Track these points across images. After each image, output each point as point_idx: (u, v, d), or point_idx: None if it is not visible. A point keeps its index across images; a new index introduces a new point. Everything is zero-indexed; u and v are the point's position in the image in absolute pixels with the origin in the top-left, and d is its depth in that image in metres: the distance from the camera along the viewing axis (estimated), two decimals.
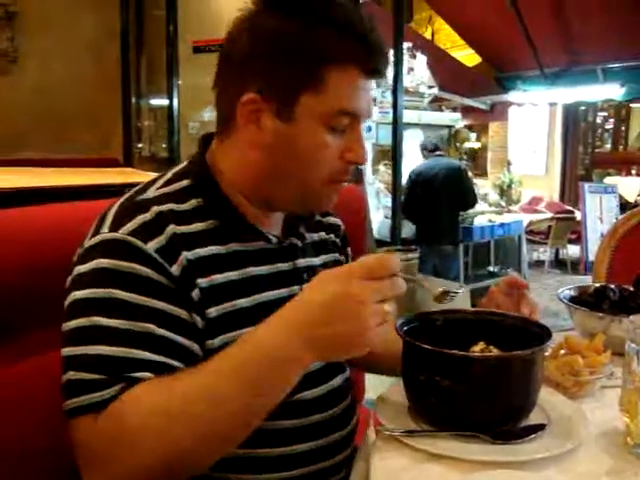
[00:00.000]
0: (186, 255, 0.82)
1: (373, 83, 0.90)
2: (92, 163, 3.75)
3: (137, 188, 0.90)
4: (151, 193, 0.87)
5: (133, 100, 5.40)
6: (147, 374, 0.74)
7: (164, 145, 5.21)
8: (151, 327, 0.77)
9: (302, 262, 0.98)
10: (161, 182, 0.90)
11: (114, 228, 0.81)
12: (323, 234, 1.08)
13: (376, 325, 0.73)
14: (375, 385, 1.41)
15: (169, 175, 0.92)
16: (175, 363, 0.77)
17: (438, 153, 5.26)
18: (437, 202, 5.05)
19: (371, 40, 0.86)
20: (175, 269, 0.81)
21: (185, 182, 0.90)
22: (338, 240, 1.12)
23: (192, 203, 0.88)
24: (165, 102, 4.92)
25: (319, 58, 0.84)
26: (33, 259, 0.96)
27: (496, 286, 1.08)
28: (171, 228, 0.83)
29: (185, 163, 0.95)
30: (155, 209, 0.83)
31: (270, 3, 0.87)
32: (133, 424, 0.71)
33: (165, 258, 0.80)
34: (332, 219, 1.12)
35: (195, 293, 0.82)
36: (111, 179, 2.00)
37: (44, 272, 0.97)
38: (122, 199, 0.87)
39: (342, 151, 0.89)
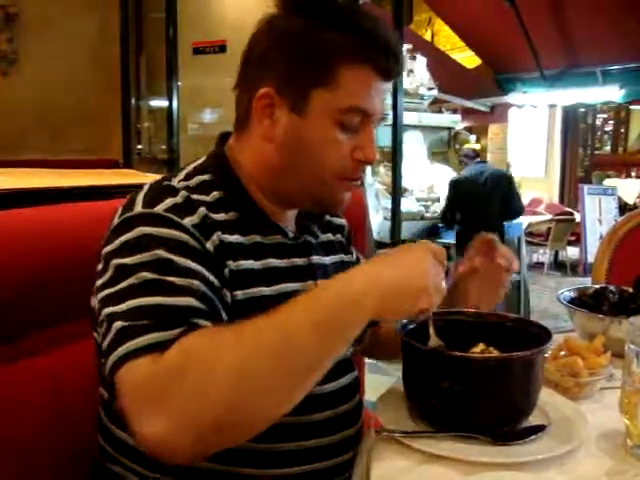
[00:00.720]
0: (218, 235, 0.85)
1: (387, 85, 0.91)
2: (91, 164, 3.75)
3: (161, 178, 0.91)
4: (175, 183, 0.88)
5: (133, 101, 5.40)
6: (206, 322, 0.74)
7: (163, 146, 5.20)
8: (197, 283, 0.77)
9: (315, 259, 1.00)
10: (182, 175, 0.91)
11: (149, 206, 0.82)
12: (330, 235, 1.09)
13: (435, 289, 0.79)
14: (374, 387, 1.41)
15: (189, 169, 0.93)
16: (220, 320, 0.78)
17: (479, 160, 5.15)
18: (487, 209, 4.82)
19: (384, 41, 0.89)
20: (209, 246, 0.83)
21: (205, 176, 0.92)
22: (344, 240, 1.13)
23: (214, 195, 0.89)
24: (165, 103, 4.92)
25: (332, 55, 0.86)
26: (33, 260, 0.96)
27: (472, 248, 1.10)
28: (202, 210, 0.85)
29: (204, 158, 0.97)
30: (183, 193, 0.85)
31: (290, 8, 0.90)
32: (204, 357, 0.68)
33: (201, 234, 0.82)
34: (338, 220, 1.13)
35: (226, 271, 0.84)
36: (110, 180, 2.00)
37: (44, 272, 0.97)
38: (147, 185, 0.88)
39: (353, 149, 0.90)
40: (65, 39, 5.11)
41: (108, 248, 0.81)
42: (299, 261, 0.97)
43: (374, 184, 6.11)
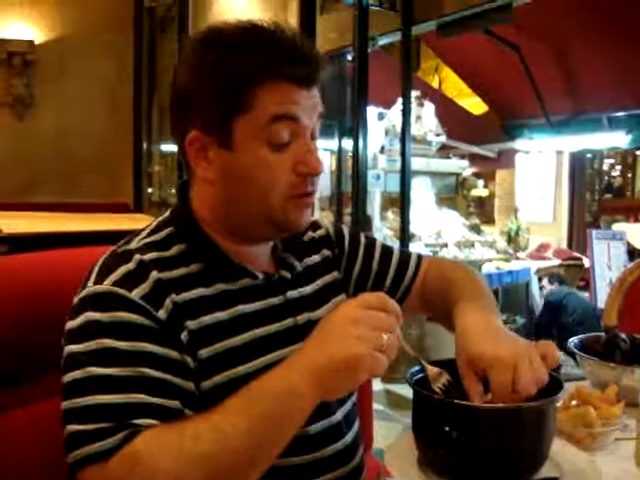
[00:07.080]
0: (172, 299, 0.84)
1: (310, 93, 0.88)
2: (103, 208, 3.80)
3: (123, 241, 0.91)
4: (134, 244, 0.89)
5: (144, 145, 5.49)
6: (149, 420, 0.74)
7: (174, 190, 5.26)
8: (145, 371, 0.77)
9: (294, 293, 0.97)
10: (145, 232, 0.92)
11: (99, 281, 0.83)
12: (316, 257, 1.07)
13: (372, 349, 0.73)
14: (384, 434, 1.39)
15: (153, 225, 0.94)
16: (173, 404, 0.78)
17: None
18: None
19: (292, 51, 0.86)
20: (162, 314, 0.82)
21: (169, 229, 0.92)
22: (331, 253, 1.10)
23: (176, 249, 0.89)
24: (175, 148, 4.99)
25: (243, 80, 0.84)
26: (42, 304, 0.97)
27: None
28: (154, 274, 0.84)
29: (169, 212, 0.97)
30: (137, 257, 0.85)
31: (199, 46, 0.89)
32: (146, 467, 0.71)
33: (151, 304, 0.81)
34: (318, 233, 1.10)
35: (184, 335, 0.83)
36: (121, 225, 2.03)
37: (52, 317, 0.97)
38: (107, 253, 0.89)
39: (294, 165, 0.88)
40: (80, 86, 5.23)
41: (67, 326, 0.82)
42: (274, 300, 0.94)
43: (382, 229, 6.12)
